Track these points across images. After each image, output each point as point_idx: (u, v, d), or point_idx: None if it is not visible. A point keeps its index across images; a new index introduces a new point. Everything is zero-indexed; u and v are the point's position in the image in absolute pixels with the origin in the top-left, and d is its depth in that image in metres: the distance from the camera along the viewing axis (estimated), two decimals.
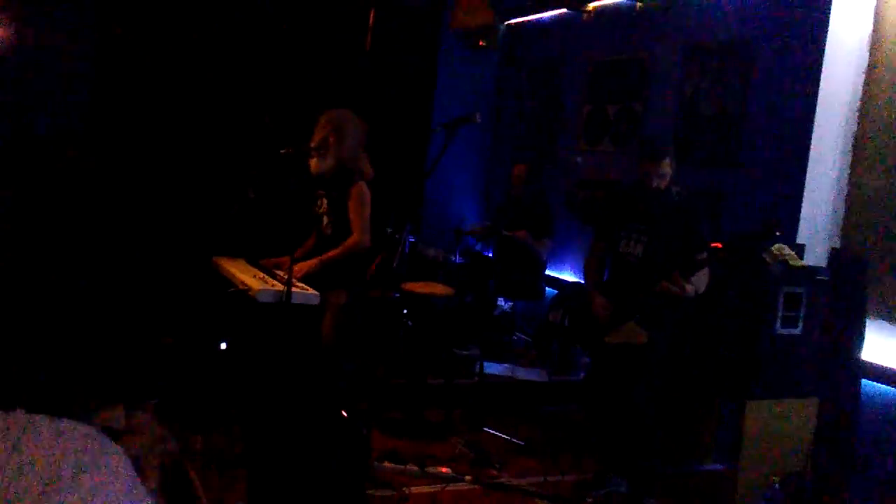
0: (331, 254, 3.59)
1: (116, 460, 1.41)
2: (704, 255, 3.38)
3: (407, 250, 5.22)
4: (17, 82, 5.01)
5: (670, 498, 3.60)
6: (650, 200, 3.49)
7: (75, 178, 3.59)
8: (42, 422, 1.35)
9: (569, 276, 5.74)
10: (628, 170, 4.79)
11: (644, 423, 3.50)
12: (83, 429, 1.38)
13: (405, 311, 4.47)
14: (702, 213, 3.61)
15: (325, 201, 3.75)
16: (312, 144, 3.63)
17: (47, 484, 1.23)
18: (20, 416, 1.34)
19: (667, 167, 3.44)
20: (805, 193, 4.04)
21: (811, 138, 4.02)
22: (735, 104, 4.51)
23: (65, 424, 1.36)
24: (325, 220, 3.73)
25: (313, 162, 3.65)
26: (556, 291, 5.62)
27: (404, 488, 3.35)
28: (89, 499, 1.28)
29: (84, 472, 1.29)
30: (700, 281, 3.33)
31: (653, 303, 3.41)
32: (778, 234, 3.64)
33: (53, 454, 1.29)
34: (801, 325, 3.67)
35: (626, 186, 3.59)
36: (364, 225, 3.60)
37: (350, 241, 3.59)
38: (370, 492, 3.21)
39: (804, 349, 3.69)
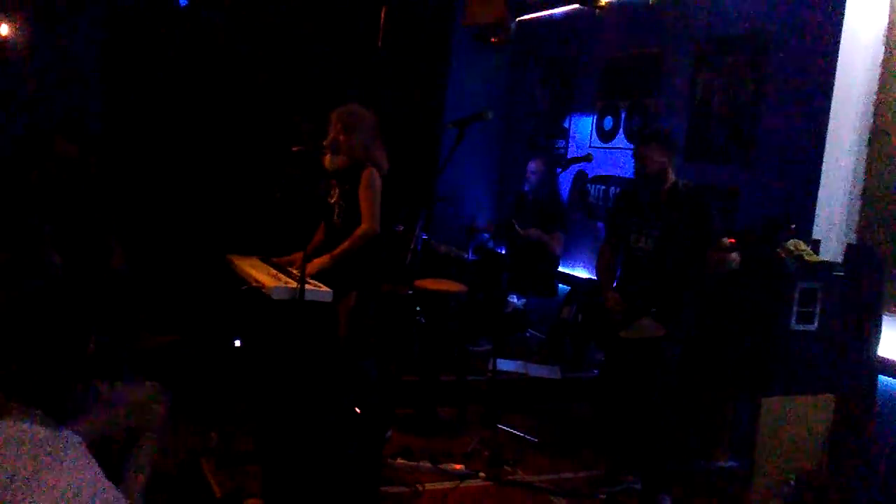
0: (342, 247, 3.56)
1: (77, 454, 1.44)
2: (726, 240, 3.35)
3: (419, 247, 5.22)
4: (28, 81, 5.04)
5: (685, 495, 3.58)
6: (655, 193, 3.51)
7: (88, 176, 3.63)
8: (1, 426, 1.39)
9: (581, 273, 5.72)
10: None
11: (659, 419, 3.49)
12: (42, 431, 1.42)
13: (418, 308, 4.47)
14: (711, 205, 3.58)
15: (337, 191, 3.75)
16: (325, 142, 3.65)
17: (5, 486, 1.27)
18: None
19: (654, 152, 3.49)
20: (821, 188, 4.00)
21: (826, 133, 3.98)
22: (749, 99, 4.48)
23: (25, 427, 1.40)
24: (336, 209, 3.72)
25: (327, 158, 3.67)
26: (568, 288, 5.61)
27: (418, 485, 3.36)
28: (52, 494, 1.32)
29: (44, 469, 1.33)
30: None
31: (667, 298, 3.40)
32: (793, 226, 3.60)
33: (10, 456, 1.33)
34: (816, 321, 3.64)
35: (634, 181, 3.64)
36: (374, 211, 3.55)
37: (359, 229, 3.55)
38: (384, 488, 3.21)
39: (820, 345, 3.66)
